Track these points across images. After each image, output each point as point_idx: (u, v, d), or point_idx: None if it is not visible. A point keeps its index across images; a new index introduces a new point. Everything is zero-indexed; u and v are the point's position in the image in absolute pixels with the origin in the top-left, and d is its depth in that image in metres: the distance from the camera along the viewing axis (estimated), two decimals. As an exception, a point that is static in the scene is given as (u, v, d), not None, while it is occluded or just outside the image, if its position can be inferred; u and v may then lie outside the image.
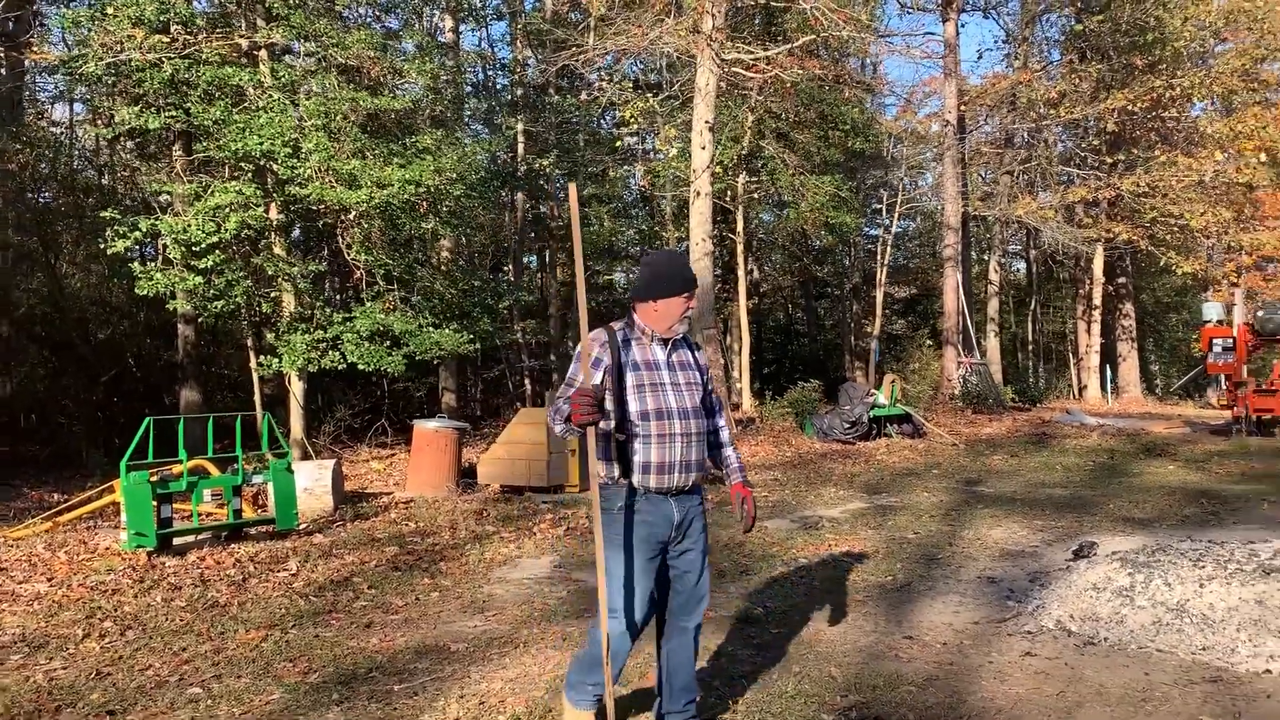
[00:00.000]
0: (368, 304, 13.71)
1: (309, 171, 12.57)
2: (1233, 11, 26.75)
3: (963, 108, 26.22)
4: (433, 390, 20.68)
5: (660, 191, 23.20)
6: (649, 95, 17.67)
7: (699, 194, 16.70)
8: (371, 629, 5.99)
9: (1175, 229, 28.18)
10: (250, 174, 13.18)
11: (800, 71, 16.00)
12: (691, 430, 3.75)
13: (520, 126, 20.17)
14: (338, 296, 16.32)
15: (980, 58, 69.23)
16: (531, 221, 23.94)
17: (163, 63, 12.51)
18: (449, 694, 4.79)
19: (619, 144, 20.52)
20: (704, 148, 16.58)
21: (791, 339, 40.18)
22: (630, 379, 3.74)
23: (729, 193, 20.61)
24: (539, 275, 26.74)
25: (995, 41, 54.73)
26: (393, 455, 15.01)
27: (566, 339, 22.94)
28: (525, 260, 24.68)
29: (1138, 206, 27.30)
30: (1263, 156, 26.16)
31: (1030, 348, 41.34)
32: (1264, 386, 16.67)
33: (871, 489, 11.54)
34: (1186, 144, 28.64)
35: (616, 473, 3.75)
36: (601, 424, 3.68)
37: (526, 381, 21.59)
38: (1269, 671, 4.74)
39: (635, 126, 18.12)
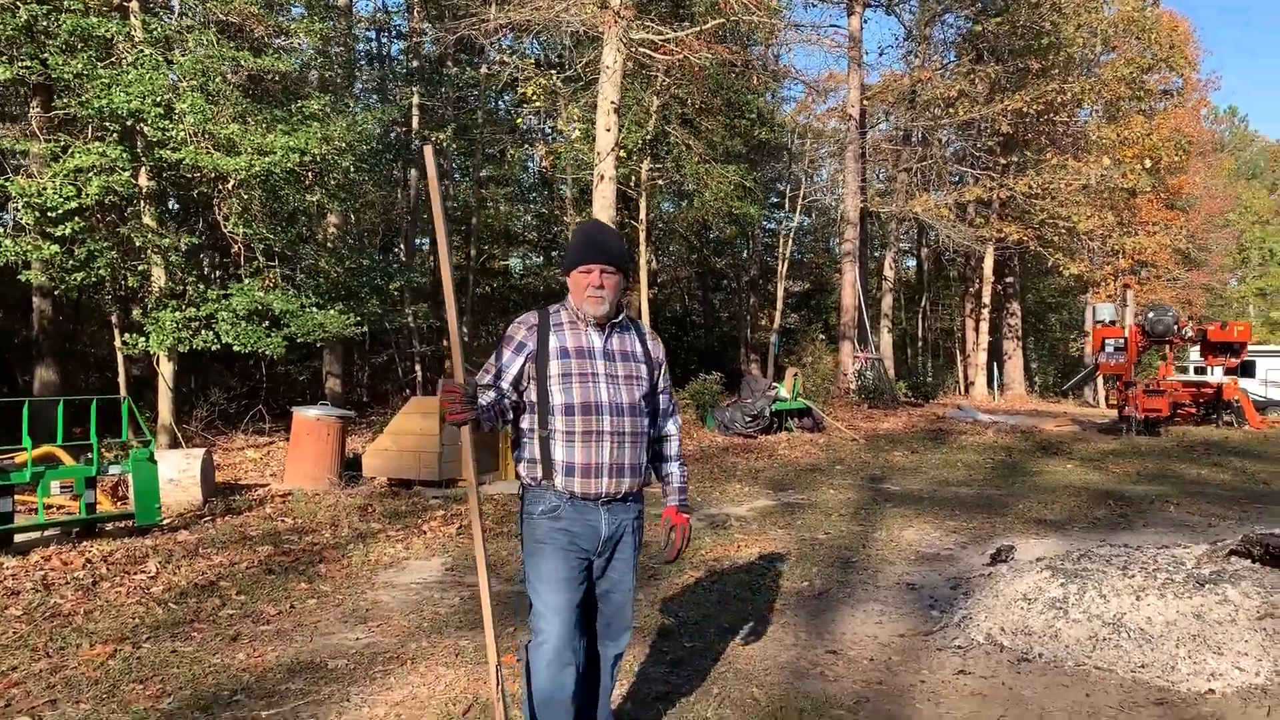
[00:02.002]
0: (246, 281, 12.73)
1: (183, 135, 11.55)
2: (1122, 21, 27.52)
3: (864, 103, 26.28)
4: (316, 375, 19.64)
5: (561, 174, 22.54)
6: (552, 73, 17.00)
7: (603, 178, 16.14)
8: (238, 642, 5.30)
9: (1063, 231, 28.96)
10: (116, 135, 12.05)
11: (709, 55, 15.55)
12: (625, 429, 3.22)
13: (415, 99, 19.21)
14: (215, 272, 15.19)
15: (881, 54, 70.86)
16: (425, 200, 22.98)
17: (18, 7, 11.32)
18: (325, 722, 4.19)
19: (520, 122, 19.79)
20: (609, 130, 16.02)
21: (687, 330, 39.96)
22: (554, 367, 3.22)
23: (633, 178, 20.11)
24: (431, 257, 25.80)
25: (896, 39, 55.53)
26: (271, 444, 14.06)
27: (460, 324, 22.14)
28: (417, 241, 23.68)
29: (1028, 208, 27.92)
30: (1146, 163, 27.01)
31: (920, 344, 42.08)
32: (1152, 387, 17.03)
33: (778, 485, 11.21)
34: (1075, 148, 29.41)
35: (539, 473, 3.26)
36: (524, 421, 3.30)
37: (418, 368, 20.68)
38: (1211, 691, 4.48)
39: (538, 105, 17.43)
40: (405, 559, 7.47)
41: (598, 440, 3.18)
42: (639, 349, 3.35)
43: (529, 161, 26.57)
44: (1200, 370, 24.98)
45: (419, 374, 20.57)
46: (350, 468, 11.20)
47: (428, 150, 3.29)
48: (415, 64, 21.09)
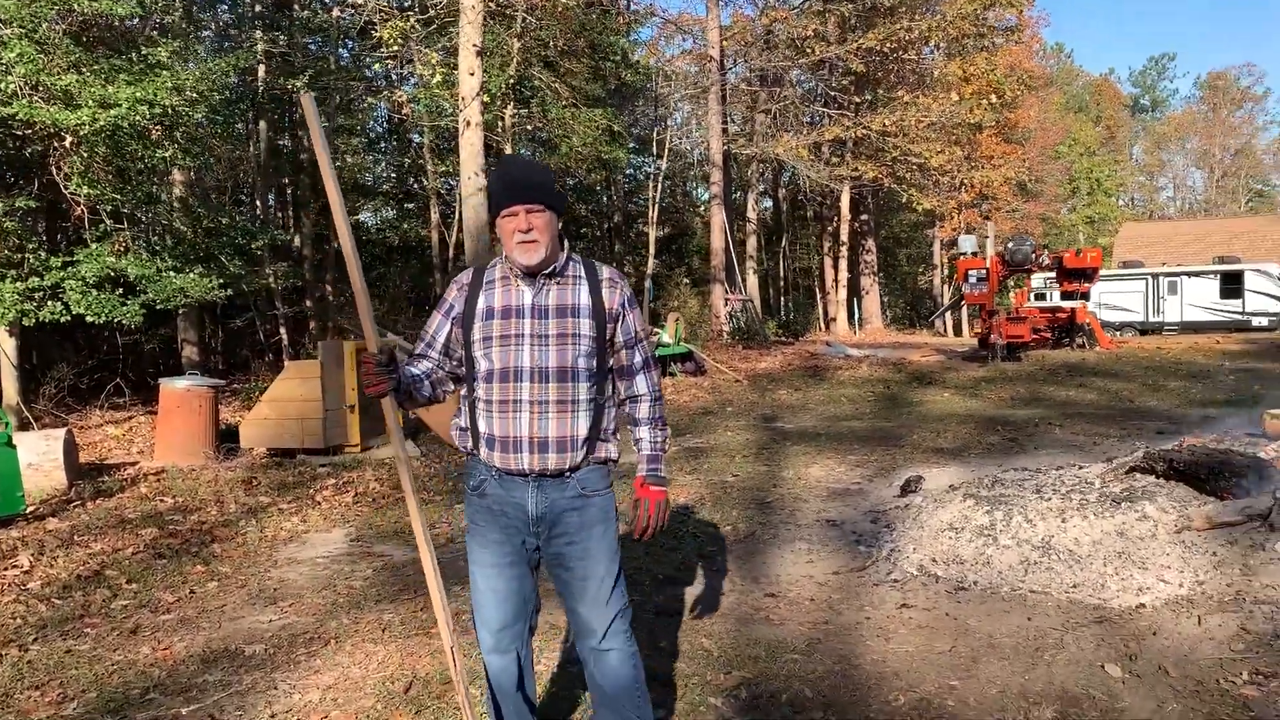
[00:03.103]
0: (93, 246, 11.75)
1: (11, 87, 10.47)
2: (963, -41, 28.17)
3: (723, 44, 26.24)
4: (168, 343, 18.49)
5: (418, 123, 21.70)
6: (409, 15, 16.23)
7: (469, 124, 15.56)
8: (140, 635, 4.89)
9: (915, 168, 29.79)
10: (-70, 89, 10.86)
11: (574, -5, 15.12)
12: (548, 397, 2.80)
13: (261, 47, 18.06)
14: (59, 239, 13.93)
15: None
16: (273, 154, 21.77)
17: None
18: (255, 712, 3.88)
19: (378, 67, 18.87)
20: (473, 73, 15.42)
21: (552, 278, 39.62)
22: (477, 329, 2.88)
23: (499, 124, 19.52)
24: (278, 213, 24.58)
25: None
26: (131, 419, 13.17)
27: (322, 282, 21.21)
28: (271, 198, 22.53)
29: (882, 145, 28.56)
30: (993, 99, 27.92)
31: (781, 283, 42.89)
32: (1013, 315, 17.75)
33: (675, 430, 11.16)
34: (922, 86, 30.17)
35: (470, 444, 2.97)
36: (462, 387, 2.98)
37: (282, 330, 19.72)
38: (1143, 605, 4.63)
39: (394, 49, 16.64)
40: (304, 532, 7.08)
41: (515, 410, 2.81)
42: (584, 300, 2.87)
43: (377, 109, 25.52)
44: (1040, 296, 26.32)
45: (284, 336, 19.62)
46: (226, 439, 10.57)
47: (307, 100, 2.90)
48: (259, 8, 19.80)
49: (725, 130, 26.32)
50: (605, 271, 2.97)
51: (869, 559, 5.63)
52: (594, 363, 2.87)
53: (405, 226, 28.34)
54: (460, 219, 18.85)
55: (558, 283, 2.88)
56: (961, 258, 18.28)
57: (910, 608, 4.83)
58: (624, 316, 2.95)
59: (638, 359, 3.01)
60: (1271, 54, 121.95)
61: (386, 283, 28.98)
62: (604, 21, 20.98)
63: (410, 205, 29.42)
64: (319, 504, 7.91)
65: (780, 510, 7.01)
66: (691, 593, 5.19)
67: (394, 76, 24.15)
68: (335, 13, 17.36)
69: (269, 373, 15.87)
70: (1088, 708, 3.68)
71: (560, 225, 2.93)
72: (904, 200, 31.41)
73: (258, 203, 21.62)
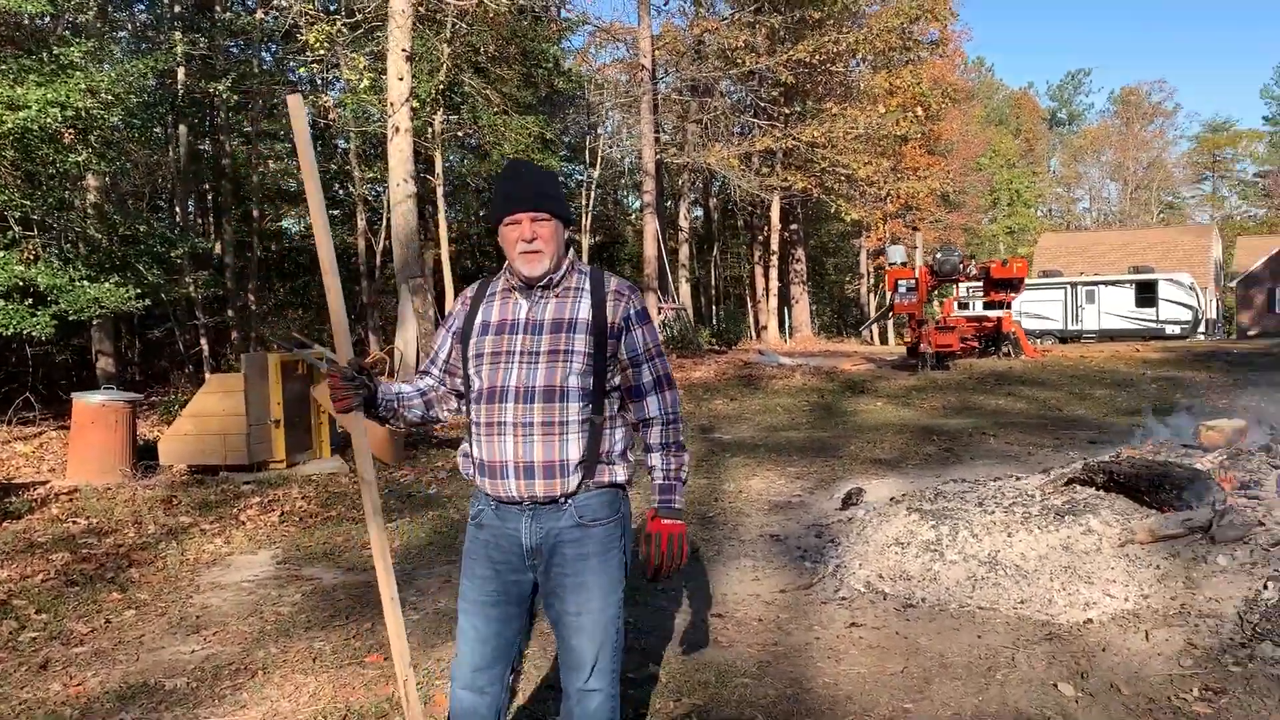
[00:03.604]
0: (1, 254, 11.20)
1: (-88, 87, 9.95)
2: (891, -28, 28.66)
3: (655, 53, 26.23)
4: (81, 354, 17.79)
5: (346, 128, 21.26)
6: (336, 18, 15.86)
7: (398, 130, 15.26)
8: (50, 670, 4.59)
9: (843, 178, 30.12)
10: None
11: (507, 1, 14.91)
12: (533, 419, 2.60)
13: (180, 49, 17.48)
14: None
15: (667, 3, 71.09)
16: (193, 159, 21.11)
17: None
18: (179, 759, 3.65)
19: (304, 71, 18.42)
20: (402, 78, 15.14)
21: (479, 288, 39.25)
22: (472, 345, 2.72)
23: (428, 130, 19.20)
24: (199, 220, 23.87)
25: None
26: (41, 435, 12.59)
27: (244, 291, 20.61)
28: (187, 205, 21.80)
29: (811, 156, 28.82)
30: (919, 111, 28.37)
31: (713, 292, 43.05)
32: (941, 324, 17.97)
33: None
34: (848, 97, 30.55)
35: (471, 470, 2.78)
36: (452, 406, 2.84)
37: (203, 341, 19.08)
38: (1090, 621, 4.61)
39: (320, 52, 16.25)
40: (228, 555, 6.78)
41: (500, 433, 2.63)
42: (582, 314, 2.67)
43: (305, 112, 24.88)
44: (963, 305, 26.78)
45: (205, 348, 19.00)
46: (144, 456, 10.14)
47: (294, 101, 2.76)
48: (178, 9, 19.17)
49: (657, 139, 26.30)
50: (613, 283, 2.76)
51: (815, 576, 5.55)
52: (589, 381, 2.65)
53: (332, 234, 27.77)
54: (389, 225, 18.50)
55: (556, 295, 2.70)
56: (891, 267, 18.48)
57: (859, 626, 4.76)
58: (629, 331, 2.72)
59: (646, 378, 2.76)
60: (1182, 71, 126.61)
61: (310, 291, 28.36)
62: (536, 28, 20.80)
63: (335, 212, 28.86)
64: (243, 524, 7.60)
65: (723, 525, 6.91)
66: (636, 614, 5.05)
67: (319, 81, 23.66)
68: (259, 15, 16.87)
69: (189, 385, 15.35)
70: (1044, 730, 3.64)
71: (566, 236, 2.78)
72: (832, 210, 31.73)
73: (177, 209, 20.94)
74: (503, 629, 2.75)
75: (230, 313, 20.20)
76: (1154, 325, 33.50)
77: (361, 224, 24.81)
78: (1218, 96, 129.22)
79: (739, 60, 26.93)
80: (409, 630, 5.05)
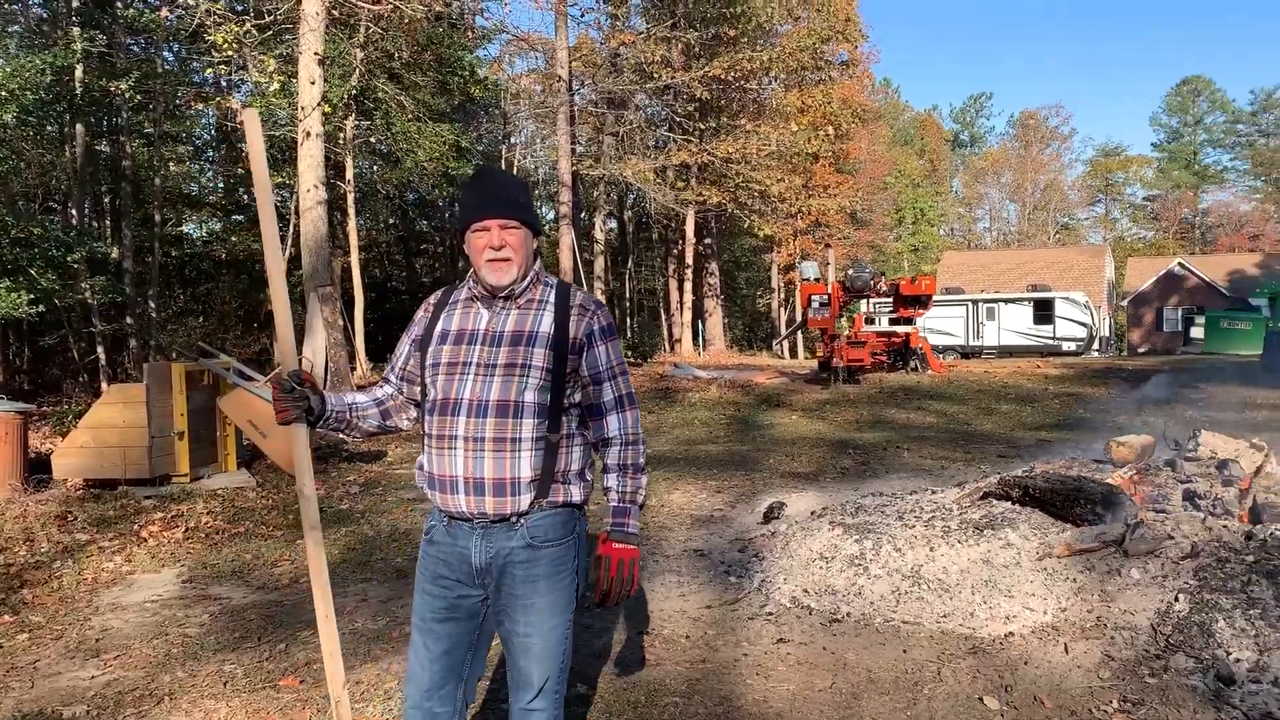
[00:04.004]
0: (-121, 255, 10.60)
1: None
2: (804, -7, 29.21)
3: (573, 64, 26.21)
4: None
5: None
6: (245, 19, 15.43)
7: (309, 134, 14.89)
8: (-66, 702, 4.31)
9: (757, 194, 30.53)
10: None
11: (423, 7, 14.70)
12: (484, 434, 2.51)
13: (79, 45, 16.77)
14: None
15: (583, 16, 71.33)
16: (90, 159, 20.27)
17: None
18: (80, 794, 3.45)
19: (210, 72, 17.84)
20: (314, 82, 14.78)
21: (389, 297, 38.62)
22: (429, 355, 2.63)
23: (340, 136, 18.80)
24: (95, 223, 22.96)
25: (596, 1, 56.06)
26: (-78, 446, 11.88)
27: (144, 298, 19.87)
28: (83, 207, 20.92)
29: (725, 172, 29.15)
30: (830, 130, 28.94)
31: (628, 305, 43.14)
32: (853, 339, 18.29)
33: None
34: (761, 115, 31.01)
35: (425, 484, 2.68)
36: (412, 415, 2.77)
37: (99, 349, 18.30)
38: (1011, 634, 4.69)
39: (229, 54, 15.77)
40: (130, 573, 6.48)
41: (451, 447, 2.55)
42: (543, 327, 2.59)
43: (205, 116, 24.21)
44: (869, 320, 27.36)
45: (101, 356, 18.23)
46: (36, 470, 9.64)
47: (250, 115, 2.67)
48: (76, 3, 18.40)
49: (574, 150, 26.26)
50: (578, 297, 2.67)
51: (741, 591, 5.54)
52: (546, 397, 2.56)
53: (234, 240, 27.01)
54: (297, 232, 18.04)
55: (519, 306, 2.62)
56: (805, 283, 18.76)
57: (787, 642, 4.75)
58: (591, 348, 2.64)
59: (607, 396, 2.67)
60: (1078, 96, 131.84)
61: (214, 299, 27.56)
62: (452, 35, 20.55)
63: (239, 218, 28.09)
64: (145, 541, 7.28)
65: (646, 541, 6.87)
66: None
67: (224, 82, 23.01)
68: (164, 13, 16.31)
69: (84, 395, 14.70)
70: (973, 744, 3.67)
71: (535, 246, 2.69)
72: (746, 225, 32.12)
73: (73, 211, 20.09)
74: (453, 647, 2.67)
75: (129, 320, 19.43)
76: (1051, 342, 34.68)
77: (268, 230, 24.10)
78: (1110, 122, 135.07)
79: (655, 74, 27.10)
80: (315, 653, 4.92)
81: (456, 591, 2.64)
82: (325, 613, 2.72)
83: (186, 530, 7.59)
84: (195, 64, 21.25)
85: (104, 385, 12.97)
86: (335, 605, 5.60)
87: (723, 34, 28.14)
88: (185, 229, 27.89)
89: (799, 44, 29.75)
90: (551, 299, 2.64)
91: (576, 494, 2.65)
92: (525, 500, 2.55)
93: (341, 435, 2.73)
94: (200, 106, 20.95)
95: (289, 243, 23.46)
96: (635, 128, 28.56)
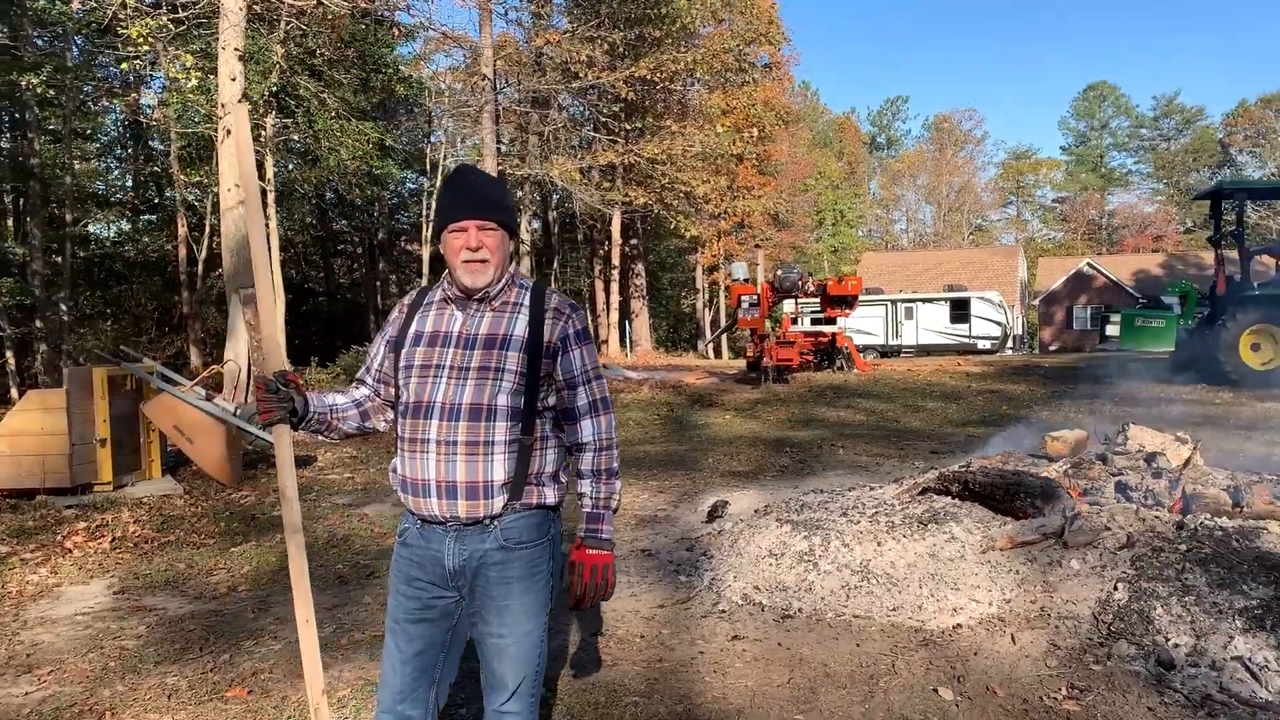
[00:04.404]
0: None
1: None
2: (728, -5, 29.50)
3: (497, 63, 26.02)
4: None
5: (164, 127, 20.10)
6: (160, 13, 14.97)
7: (229, 132, 14.52)
8: None
9: (683, 195, 30.71)
10: None
11: (346, 3, 14.44)
12: (456, 437, 2.50)
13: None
14: None
15: (506, 14, 70.87)
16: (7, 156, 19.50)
17: None
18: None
19: (125, 66, 17.24)
20: (234, 79, 14.43)
21: (305, 299, 37.89)
22: (403, 356, 2.61)
23: (260, 134, 18.36)
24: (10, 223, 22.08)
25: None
26: None
27: (55, 300, 19.15)
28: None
29: (651, 173, 29.26)
30: (754, 132, 29.26)
31: (552, 306, 42.95)
32: (782, 339, 18.51)
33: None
34: (688, 116, 31.22)
35: (399, 486, 2.67)
36: (389, 416, 2.75)
37: (7, 354, 17.58)
38: (959, 626, 4.79)
39: (144, 48, 15.28)
40: (57, 585, 6.24)
41: (422, 450, 2.53)
42: (518, 330, 2.57)
43: (113, 112, 23.41)
44: (794, 320, 27.75)
45: (9, 360, 17.52)
46: (-54, 480, 9.22)
47: (240, 109, 2.60)
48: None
49: (498, 150, 26.06)
50: (553, 300, 2.66)
51: (692, 590, 5.56)
52: (520, 401, 2.55)
53: (146, 240, 26.21)
54: (218, 232, 17.59)
55: (493, 309, 2.60)
56: (734, 283, 18.95)
57: (742, 639, 4.78)
58: (566, 351, 2.62)
59: (582, 400, 2.66)
60: (989, 100, 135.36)
61: (125, 301, 26.71)
62: (375, 33, 20.22)
63: (151, 217, 27.26)
64: (70, 552, 7.01)
65: (590, 541, 6.85)
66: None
67: (133, 78, 22.28)
68: (75, 5, 15.71)
69: (-7, 401, 14.12)
70: (933, 734, 3.74)
71: (513, 248, 2.66)
72: (671, 226, 32.28)
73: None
74: (426, 648, 2.66)
75: (39, 323, 18.71)
76: (967, 340, 35.59)
77: (183, 230, 23.49)
78: (1021, 127, 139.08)
79: (580, 74, 27.07)
80: (272, 661, 4.80)
81: (430, 593, 2.63)
82: (305, 617, 2.67)
83: (113, 540, 7.33)
84: (102, 58, 20.54)
85: (13, 392, 12.43)
86: (278, 614, 5.52)
87: (647, 34, 28.24)
88: (92, 229, 26.95)
89: (723, 45, 30.05)
90: (526, 302, 2.63)
91: (551, 496, 2.65)
92: (498, 503, 2.54)
93: (321, 436, 2.69)
94: (108, 102, 20.24)
95: (204, 243, 22.90)
96: (560, 127, 28.49)
